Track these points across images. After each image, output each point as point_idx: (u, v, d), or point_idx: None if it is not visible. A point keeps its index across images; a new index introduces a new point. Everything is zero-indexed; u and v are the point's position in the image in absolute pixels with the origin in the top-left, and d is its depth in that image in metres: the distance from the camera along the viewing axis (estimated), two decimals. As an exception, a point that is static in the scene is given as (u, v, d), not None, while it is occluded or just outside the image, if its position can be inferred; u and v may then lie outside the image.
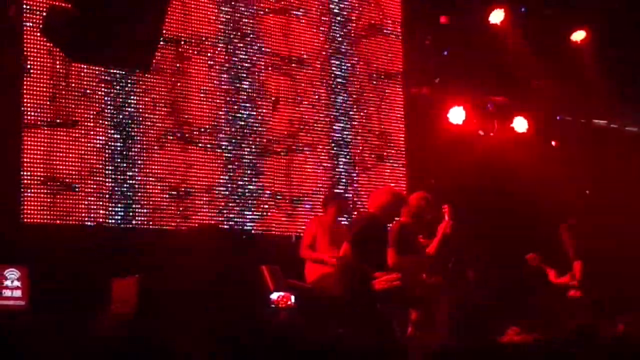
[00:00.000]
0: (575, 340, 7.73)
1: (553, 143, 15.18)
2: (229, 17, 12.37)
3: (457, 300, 11.24)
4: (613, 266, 12.96)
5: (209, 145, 12.00)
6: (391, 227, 10.14)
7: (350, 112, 13.40)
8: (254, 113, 12.45)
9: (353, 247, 9.31)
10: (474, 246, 12.70)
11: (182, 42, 11.90)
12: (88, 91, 11.10)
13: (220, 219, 11.95)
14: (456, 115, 13.88)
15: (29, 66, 10.60)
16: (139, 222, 11.37)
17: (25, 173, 10.60)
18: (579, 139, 15.37)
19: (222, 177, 12.06)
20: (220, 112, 12.16)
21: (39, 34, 10.04)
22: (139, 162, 11.43)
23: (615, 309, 11.66)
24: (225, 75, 12.21)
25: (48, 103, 10.77)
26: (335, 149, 13.18)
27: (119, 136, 11.26)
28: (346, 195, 12.72)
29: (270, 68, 12.59)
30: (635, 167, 14.23)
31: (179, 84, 11.85)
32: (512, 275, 13.51)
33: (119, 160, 11.26)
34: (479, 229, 13.25)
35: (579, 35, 14.74)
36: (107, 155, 11.19)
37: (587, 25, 14.66)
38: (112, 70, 11.13)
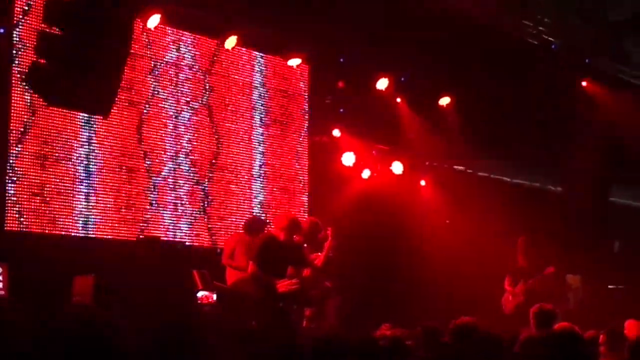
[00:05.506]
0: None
1: (422, 182, 15.72)
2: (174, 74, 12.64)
3: (342, 301, 11.63)
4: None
5: (155, 173, 12.28)
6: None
7: (266, 154, 13.77)
8: (193, 149, 12.79)
9: (256, 264, 9.82)
10: (357, 259, 13.18)
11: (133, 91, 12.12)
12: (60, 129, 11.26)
13: (160, 232, 12.20)
14: (348, 158, 14.28)
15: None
16: (96, 233, 11.55)
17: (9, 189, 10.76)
18: (443, 180, 15.90)
19: (164, 198, 12.32)
20: (164, 148, 12.44)
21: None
22: (98, 185, 11.62)
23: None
24: (170, 119, 12.52)
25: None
26: (253, 181, 13.54)
27: (83, 167, 11.45)
28: (263, 219, 12.99)
29: (205, 116, 12.92)
30: (483, 203, 14.83)
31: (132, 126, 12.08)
32: (385, 281, 14.00)
33: (84, 183, 11.44)
34: (364, 245, 13.74)
35: (444, 100, 15.27)
36: (74, 179, 11.39)
37: (451, 92, 15.20)
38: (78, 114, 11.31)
